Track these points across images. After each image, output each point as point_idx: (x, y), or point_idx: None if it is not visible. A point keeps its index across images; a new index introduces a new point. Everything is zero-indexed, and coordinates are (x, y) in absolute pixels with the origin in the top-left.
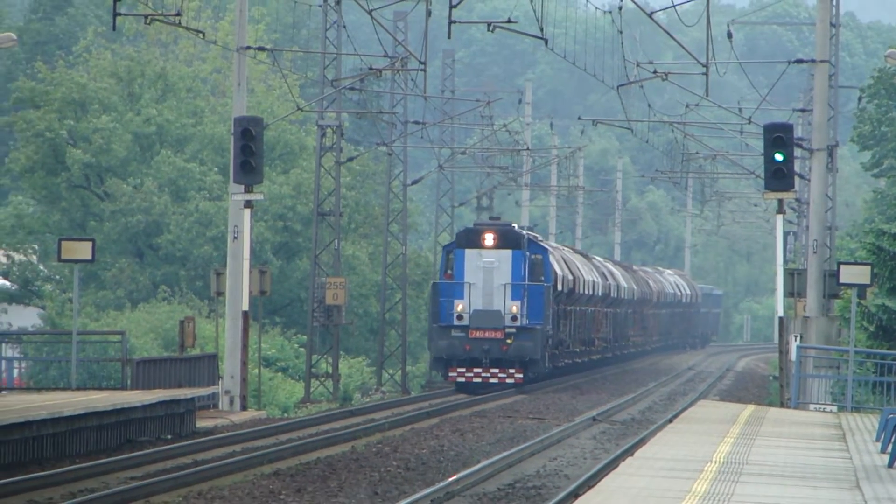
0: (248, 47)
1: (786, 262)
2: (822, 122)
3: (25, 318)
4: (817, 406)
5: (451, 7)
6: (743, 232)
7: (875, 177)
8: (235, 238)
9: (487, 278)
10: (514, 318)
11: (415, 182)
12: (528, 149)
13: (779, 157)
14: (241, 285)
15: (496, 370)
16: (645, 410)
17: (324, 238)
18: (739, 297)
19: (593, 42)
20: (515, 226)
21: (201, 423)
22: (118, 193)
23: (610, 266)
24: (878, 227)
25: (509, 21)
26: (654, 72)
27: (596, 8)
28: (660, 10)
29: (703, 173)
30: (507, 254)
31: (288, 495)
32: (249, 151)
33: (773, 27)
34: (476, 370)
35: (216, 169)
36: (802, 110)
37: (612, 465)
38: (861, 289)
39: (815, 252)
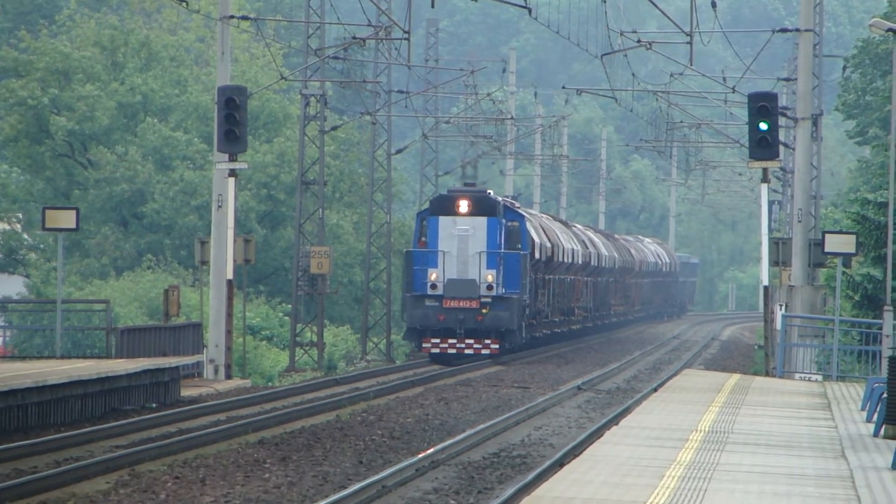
0: (232, 16)
1: (771, 231)
2: (806, 91)
3: (10, 286)
4: (802, 375)
5: None
6: (728, 201)
7: (859, 145)
8: (220, 207)
9: (462, 246)
10: (489, 288)
11: (399, 151)
12: (512, 118)
13: (763, 126)
14: (225, 254)
15: (471, 341)
16: (630, 379)
17: (308, 207)
18: (724, 265)
19: (577, 11)
20: (491, 192)
21: (186, 392)
22: (102, 162)
23: (590, 234)
24: (863, 196)
25: None
26: (639, 41)
27: None
28: None
29: (688, 142)
30: (482, 221)
31: (273, 464)
32: (233, 120)
33: None
34: (451, 341)
35: (200, 138)
36: (787, 79)
37: (597, 433)
38: (846, 258)
39: (799, 221)
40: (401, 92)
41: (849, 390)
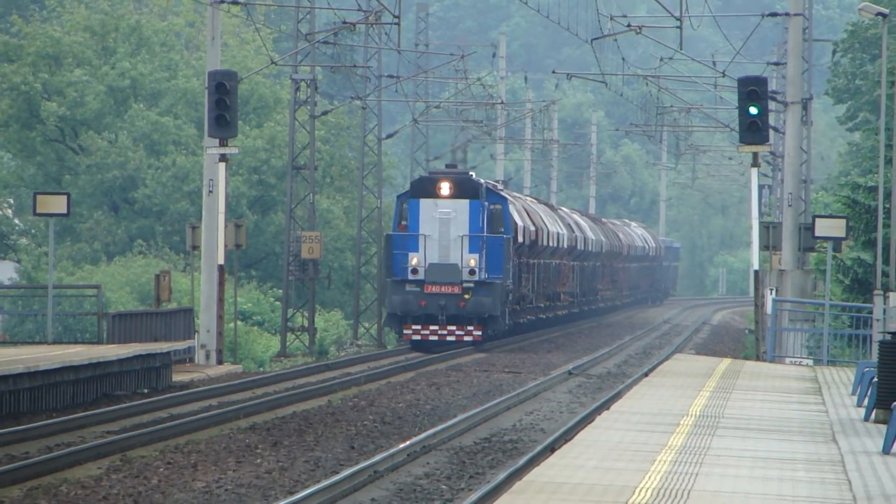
0: (222, 1)
1: (761, 215)
2: (796, 75)
3: (1, 272)
4: (793, 359)
5: None
6: (718, 185)
7: (849, 130)
8: (211, 192)
9: (444, 230)
10: (471, 272)
11: (389, 136)
12: (502, 102)
13: (753, 110)
14: (216, 239)
15: (453, 327)
16: (621, 364)
17: (299, 192)
18: (714, 250)
19: None
20: (473, 174)
21: (177, 377)
22: (93, 147)
23: (577, 217)
24: (854, 180)
25: None
26: (628, 25)
27: None
28: None
29: (678, 127)
30: (464, 204)
31: (264, 449)
32: (224, 105)
33: None
34: (432, 327)
35: (191, 123)
36: (777, 63)
37: (588, 418)
38: (836, 242)
39: (789, 205)
40: (391, 77)
41: (839, 374)
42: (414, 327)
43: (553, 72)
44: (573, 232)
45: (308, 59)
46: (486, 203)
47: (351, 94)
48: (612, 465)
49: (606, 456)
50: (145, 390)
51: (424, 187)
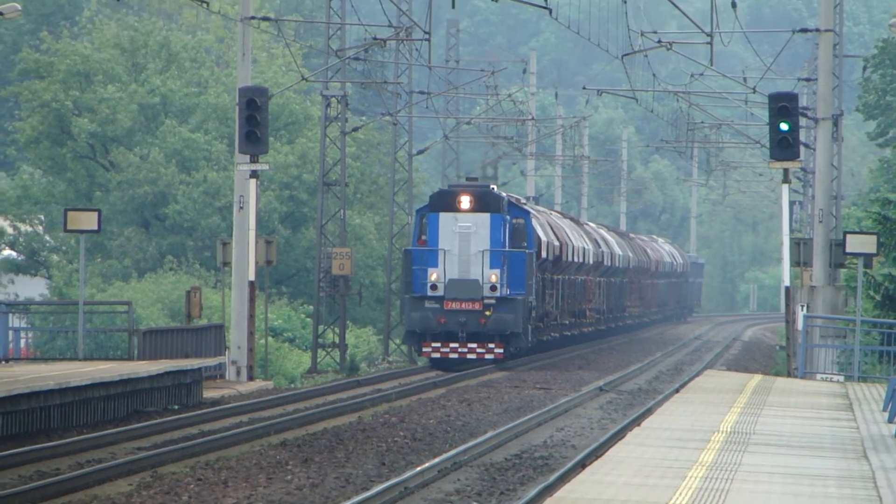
0: (253, 17)
1: (792, 231)
2: (826, 91)
3: (32, 288)
4: (824, 376)
5: None
6: (748, 201)
7: (880, 146)
8: (241, 208)
9: (464, 244)
10: (493, 288)
11: (420, 152)
12: (532, 118)
13: (784, 126)
14: (247, 255)
15: (474, 345)
16: (652, 380)
17: (330, 208)
18: (745, 266)
19: (597, 11)
20: (494, 187)
21: (208, 394)
22: (124, 164)
23: (603, 232)
24: (884, 196)
25: None
26: (659, 41)
27: None
28: None
29: (709, 143)
30: (485, 217)
31: (295, 465)
32: (254, 122)
33: None
34: (452, 345)
35: (221, 139)
36: (807, 79)
37: (619, 434)
38: (867, 258)
39: (820, 221)
40: (421, 93)
41: (870, 391)
42: (433, 345)
43: (584, 88)
44: (599, 247)
45: (338, 76)
46: (508, 217)
47: (381, 110)
48: (643, 481)
49: (638, 472)
50: (176, 407)
51: (444, 201)
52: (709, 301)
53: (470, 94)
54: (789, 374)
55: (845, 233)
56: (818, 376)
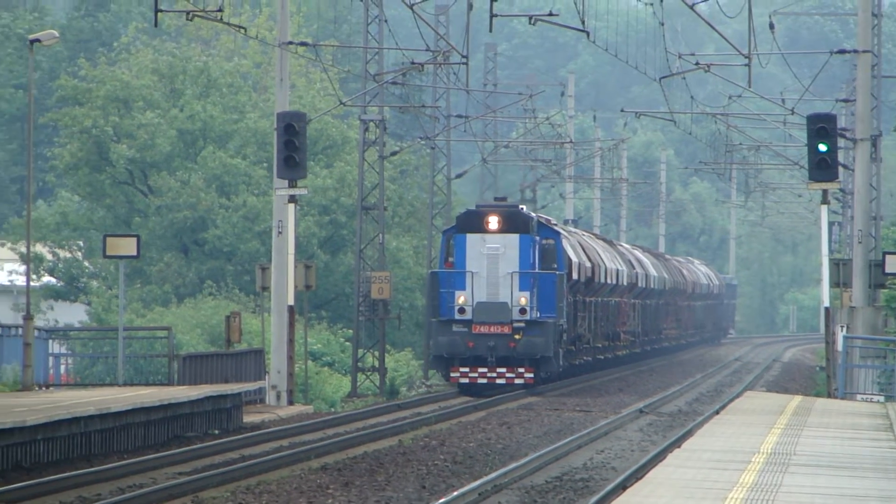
0: (290, 42)
1: (831, 252)
2: (865, 112)
3: (72, 314)
4: (864, 396)
5: (493, 1)
6: (787, 222)
7: None
8: (280, 233)
9: (492, 266)
10: (522, 311)
11: (458, 176)
12: (571, 141)
13: (822, 147)
14: (286, 280)
15: (503, 370)
16: (692, 402)
17: (368, 232)
18: (785, 287)
19: (635, 34)
20: (524, 208)
21: (248, 418)
22: (164, 189)
23: (638, 253)
24: None
25: (551, 14)
26: (697, 63)
27: (637, 0)
28: (701, 2)
29: (747, 164)
30: (513, 238)
31: (335, 489)
32: (293, 146)
33: (815, 17)
34: (481, 370)
35: (265, 165)
36: (845, 100)
37: (659, 456)
38: None
39: (860, 242)
40: (459, 116)
41: None
42: (461, 370)
43: (622, 110)
44: (634, 268)
45: (376, 100)
46: (538, 237)
47: (419, 133)
48: (683, 503)
49: (678, 494)
50: (216, 431)
51: (471, 221)
52: (748, 322)
53: (508, 118)
54: (829, 395)
55: (885, 253)
56: (858, 397)
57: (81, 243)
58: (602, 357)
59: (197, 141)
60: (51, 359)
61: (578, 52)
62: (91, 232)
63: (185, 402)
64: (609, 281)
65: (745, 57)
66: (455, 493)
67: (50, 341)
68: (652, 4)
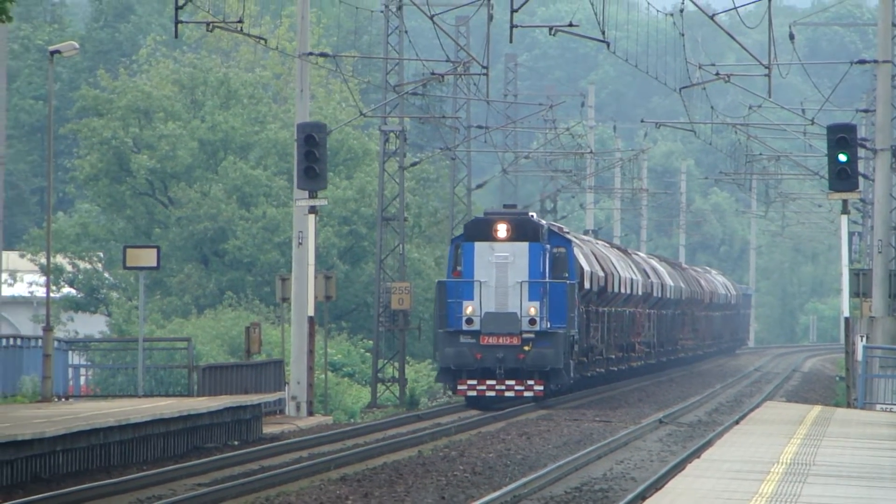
0: (311, 53)
1: (851, 262)
2: (885, 122)
3: (92, 325)
4: (884, 406)
5: (513, 11)
6: (807, 233)
7: None
8: (300, 244)
9: (501, 275)
10: (532, 322)
11: (479, 186)
12: (591, 152)
13: (842, 157)
14: (306, 291)
15: (512, 382)
16: (711, 412)
17: (389, 243)
18: (805, 297)
19: (655, 44)
20: (533, 215)
21: (268, 429)
22: (184, 200)
23: (654, 262)
24: None
25: (571, 25)
26: (717, 74)
27: (657, 10)
28: (721, 12)
29: (767, 174)
30: (523, 247)
31: (355, 500)
32: (313, 157)
33: (834, 28)
34: (489, 382)
35: (285, 176)
36: (865, 111)
37: (679, 467)
38: None
39: (880, 252)
40: (480, 127)
41: None
42: (469, 382)
43: (642, 121)
44: (649, 278)
45: (397, 111)
46: (548, 246)
47: (440, 144)
48: None
49: None
50: (236, 442)
51: (479, 229)
52: (768, 332)
53: (528, 128)
54: (849, 405)
55: None
56: (878, 407)
57: (101, 254)
58: (616, 368)
59: (217, 152)
60: (70, 370)
61: (599, 62)
62: (111, 243)
63: (204, 413)
64: (623, 290)
65: (766, 67)
66: None
67: (70, 352)
68: (672, 15)
